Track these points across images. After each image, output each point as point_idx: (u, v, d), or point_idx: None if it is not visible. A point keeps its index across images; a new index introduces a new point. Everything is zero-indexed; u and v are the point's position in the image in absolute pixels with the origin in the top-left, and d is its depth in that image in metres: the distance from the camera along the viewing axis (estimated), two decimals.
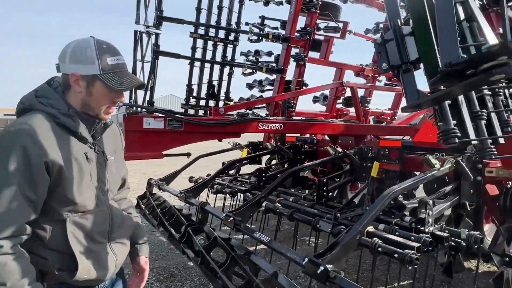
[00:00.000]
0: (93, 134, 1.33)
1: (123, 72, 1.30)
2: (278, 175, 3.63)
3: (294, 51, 5.60)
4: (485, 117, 1.94)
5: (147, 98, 4.44)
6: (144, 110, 3.15)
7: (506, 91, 2.56)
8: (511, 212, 2.77)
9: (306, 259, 1.90)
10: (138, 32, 4.65)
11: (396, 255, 2.01)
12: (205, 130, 3.11)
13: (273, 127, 3.37)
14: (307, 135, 5.63)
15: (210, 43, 5.06)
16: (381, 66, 1.53)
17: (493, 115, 2.04)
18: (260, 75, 5.94)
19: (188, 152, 3.57)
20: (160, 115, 2.96)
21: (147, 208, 3.92)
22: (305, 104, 6.72)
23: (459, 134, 1.73)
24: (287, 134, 5.28)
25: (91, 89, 1.26)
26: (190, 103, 5.21)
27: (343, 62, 5.90)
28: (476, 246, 2.32)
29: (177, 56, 4.72)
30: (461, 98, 1.86)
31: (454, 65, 1.17)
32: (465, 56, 1.19)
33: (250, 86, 6.12)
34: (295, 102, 5.54)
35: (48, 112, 1.21)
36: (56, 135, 1.20)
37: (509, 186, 2.87)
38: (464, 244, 2.43)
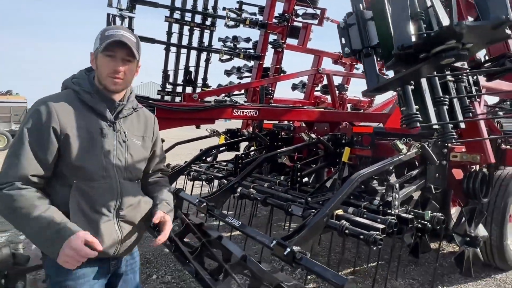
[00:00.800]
0: (116, 114, 1.43)
1: (114, 34, 1.37)
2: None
3: (272, 37, 5.57)
4: (447, 103, 2.01)
5: None
6: None
7: (470, 78, 2.66)
8: (474, 195, 2.90)
9: (274, 242, 1.94)
10: (111, 15, 4.51)
11: (361, 236, 2.07)
12: (178, 116, 3.07)
13: (248, 113, 3.37)
14: (285, 122, 5.67)
15: (186, 28, 4.96)
16: (344, 50, 1.55)
17: (455, 100, 2.11)
18: (238, 62, 5.88)
19: (162, 138, 3.51)
20: None
21: None
22: (286, 92, 6.73)
23: (420, 119, 1.78)
24: (265, 121, 5.30)
25: (97, 62, 1.39)
26: (166, 90, 5.13)
27: (321, 50, 5.91)
28: (438, 227, 2.42)
29: (152, 41, 4.60)
30: (424, 84, 1.91)
31: (406, 48, 1.19)
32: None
33: (228, 73, 6.06)
34: (273, 89, 5.53)
35: (74, 89, 1.39)
36: (74, 108, 1.34)
37: (472, 170, 3.00)
38: (429, 226, 2.54)
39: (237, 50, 5.21)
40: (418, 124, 1.78)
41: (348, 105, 7.17)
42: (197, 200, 2.78)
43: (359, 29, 1.43)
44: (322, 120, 4.11)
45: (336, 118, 4.18)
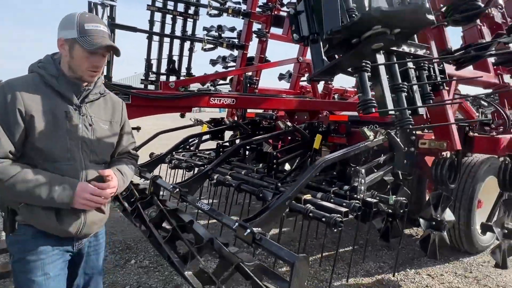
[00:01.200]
0: (82, 98, 1.46)
1: (99, 37, 1.40)
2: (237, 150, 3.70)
3: (256, 27, 5.57)
4: (405, 90, 2.06)
5: (104, 72, 4.37)
6: None
7: (436, 65, 2.72)
8: (441, 181, 2.98)
9: (237, 224, 2.01)
10: (92, 4, 4.49)
11: (323, 219, 2.15)
12: (154, 104, 3.10)
13: (225, 101, 3.41)
14: (270, 111, 5.71)
15: (168, 16, 4.95)
16: (293, 36, 1.59)
17: (415, 88, 2.16)
18: (225, 52, 5.89)
19: (138, 126, 3.56)
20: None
21: None
22: (275, 82, 6.76)
23: (375, 104, 1.84)
24: (248, 110, 5.34)
25: (72, 52, 1.40)
26: (149, 79, 5.14)
27: None
28: (401, 211, 2.50)
29: (133, 29, 4.58)
30: (382, 71, 1.96)
31: (335, 32, 1.24)
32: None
33: (213, 62, 6.06)
34: (257, 78, 5.57)
35: (40, 73, 1.41)
36: (39, 91, 1.37)
37: (440, 157, 3.08)
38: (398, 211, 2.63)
39: (221, 39, 5.21)
40: (373, 110, 1.84)
41: (336, 95, 7.23)
42: (171, 186, 2.84)
43: (306, 16, 1.47)
44: (300, 109, 4.16)
45: (314, 107, 4.23)
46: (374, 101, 1.85)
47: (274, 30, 5.75)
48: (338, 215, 2.13)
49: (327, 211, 2.24)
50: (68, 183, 1.33)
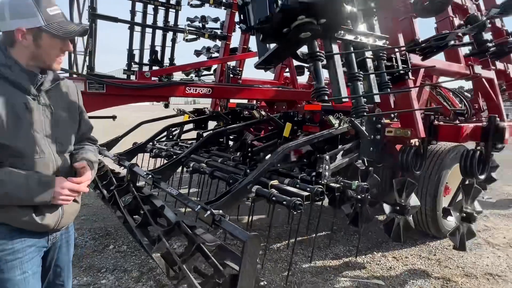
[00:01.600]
0: (38, 87, 1.35)
1: (65, 21, 1.33)
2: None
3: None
4: (361, 78, 2.15)
5: (87, 63, 4.41)
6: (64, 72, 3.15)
7: (398, 55, 2.82)
8: (406, 167, 3.09)
9: (199, 206, 2.10)
10: None
11: (284, 202, 2.25)
12: (130, 93, 3.16)
13: (201, 91, 3.48)
14: (254, 101, 5.78)
15: (150, 7, 4.97)
16: (241, 27, 1.66)
17: (372, 77, 2.25)
18: (209, 42, 5.91)
19: (113, 115, 3.62)
20: (80, 77, 2.98)
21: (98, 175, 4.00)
22: (260, 73, 6.79)
23: (327, 92, 1.93)
24: (231, 101, 5.41)
25: (39, 42, 1.29)
26: (132, 69, 5.17)
27: None
28: (363, 195, 2.61)
29: (115, 19, 4.60)
30: (338, 60, 2.05)
31: (263, 22, 1.32)
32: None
33: (198, 53, 6.10)
34: (240, 69, 5.63)
35: None
36: None
37: (408, 144, 3.18)
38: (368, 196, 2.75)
39: (204, 30, 5.24)
40: (326, 97, 1.93)
41: None
42: (145, 173, 2.92)
43: (252, 6, 1.55)
44: (277, 99, 4.24)
45: (290, 97, 4.31)
46: (327, 89, 1.94)
47: None
48: (298, 199, 2.23)
49: (289, 195, 2.35)
50: (45, 181, 1.28)
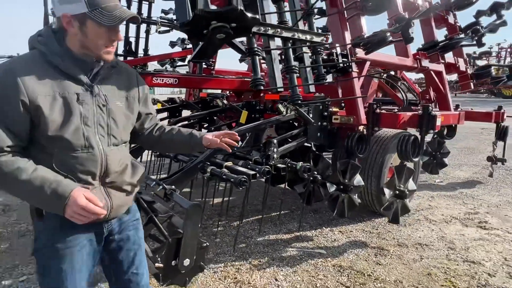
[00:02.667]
0: (92, 76, 1.28)
1: (111, 5, 1.21)
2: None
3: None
4: (296, 71, 2.47)
5: None
6: None
7: (338, 50, 3.14)
8: (351, 152, 3.45)
9: (154, 182, 2.40)
10: None
11: (232, 180, 2.57)
12: None
13: (168, 81, 3.73)
14: (227, 92, 6.05)
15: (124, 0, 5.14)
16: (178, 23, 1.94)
17: (308, 69, 2.57)
18: (182, 34, 6.12)
19: None
20: None
21: None
22: (238, 65, 7.05)
23: (263, 82, 2.24)
24: (203, 90, 5.68)
25: (85, 29, 1.20)
26: None
27: None
28: (305, 175, 2.95)
29: None
30: (274, 54, 2.36)
31: (184, 24, 1.60)
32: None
33: (172, 44, 6.31)
34: (213, 60, 5.89)
35: (41, 50, 1.21)
36: (44, 73, 1.18)
37: (356, 130, 3.53)
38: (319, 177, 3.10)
39: (176, 21, 5.45)
40: (262, 87, 2.24)
41: None
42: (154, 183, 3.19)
43: (175, 11, 1.82)
44: (242, 89, 4.52)
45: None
46: (262, 80, 2.25)
47: None
48: (244, 177, 2.56)
49: (238, 174, 2.67)
50: (61, 192, 1.14)
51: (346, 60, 3.09)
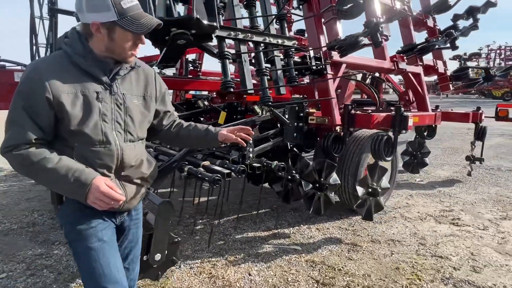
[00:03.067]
0: (112, 76, 1.37)
1: (139, 13, 1.31)
2: None
3: None
4: (267, 73, 2.57)
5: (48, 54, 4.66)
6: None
7: (311, 53, 3.25)
8: (327, 151, 3.57)
9: None
10: None
11: (206, 178, 2.67)
12: None
13: None
14: (214, 93, 6.14)
15: None
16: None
17: (279, 72, 2.68)
18: None
19: None
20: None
21: None
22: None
23: (233, 85, 2.34)
24: (189, 92, 5.77)
25: (113, 35, 1.30)
26: None
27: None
28: (280, 174, 3.06)
29: (71, 13, 4.85)
30: (245, 58, 2.46)
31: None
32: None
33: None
34: (200, 62, 5.99)
35: (67, 51, 1.32)
36: (67, 72, 1.28)
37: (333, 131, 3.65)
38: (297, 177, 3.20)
39: None
40: (232, 89, 2.34)
41: None
42: None
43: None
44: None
45: (236, 88, 4.71)
46: (231, 82, 2.35)
47: None
48: (218, 175, 2.66)
49: (213, 173, 2.77)
50: (84, 180, 1.25)
51: (319, 63, 3.20)
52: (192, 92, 5.97)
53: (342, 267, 2.89)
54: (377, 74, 5.40)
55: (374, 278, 2.72)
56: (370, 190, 3.38)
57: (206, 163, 3.01)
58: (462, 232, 3.63)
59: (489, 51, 26.61)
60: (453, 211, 4.25)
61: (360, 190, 3.40)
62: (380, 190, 3.40)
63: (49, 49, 4.83)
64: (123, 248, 1.59)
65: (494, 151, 8.09)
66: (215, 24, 1.78)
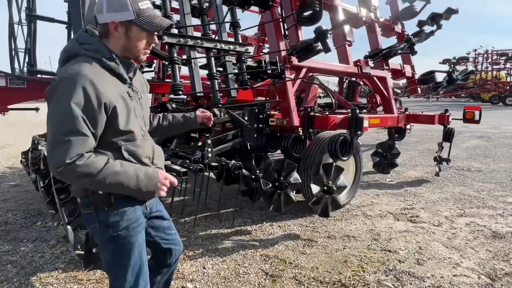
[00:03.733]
0: (129, 75, 1.49)
1: (153, 14, 1.44)
2: None
3: (176, 18, 6.10)
4: (217, 77, 2.74)
5: (26, 59, 4.82)
6: None
7: (267, 58, 3.41)
8: (287, 151, 3.73)
9: None
10: None
11: None
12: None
13: None
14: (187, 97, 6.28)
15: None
16: None
17: (230, 76, 2.85)
18: None
19: (36, 107, 4.06)
20: (2, 74, 3.40)
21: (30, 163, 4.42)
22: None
23: (182, 88, 2.50)
24: (165, 96, 5.92)
25: (129, 34, 1.40)
26: None
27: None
28: (236, 172, 3.22)
29: (51, 20, 5.00)
30: (194, 63, 2.62)
31: None
32: None
33: None
34: (180, 66, 6.16)
35: (94, 57, 1.36)
36: (105, 77, 1.36)
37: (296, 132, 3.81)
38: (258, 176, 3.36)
39: None
40: (181, 93, 2.50)
41: None
42: None
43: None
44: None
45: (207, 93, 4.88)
46: (180, 86, 2.51)
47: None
48: (173, 173, 2.81)
49: (171, 172, 2.92)
50: (151, 173, 1.42)
51: (275, 67, 3.38)
52: (172, 96, 6.14)
53: (293, 260, 3.04)
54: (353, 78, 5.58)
55: (321, 270, 2.88)
56: (325, 188, 3.54)
57: (167, 162, 3.16)
58: (416, 228, 3.80)
59: (476, 55, 27.09)
60: (414, 209, 4.42)
61: (315, 188, 3.56)
62: (335, 189, 3.56)
63: (27, 54, 4.99)
64: (165, 220, 1.79)
65: (468, 152, 8.32)
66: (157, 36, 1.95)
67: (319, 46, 3.41)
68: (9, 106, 3.49)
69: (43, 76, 3.99)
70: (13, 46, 5.01)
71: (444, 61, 33.63)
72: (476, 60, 27.46)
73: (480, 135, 11.13)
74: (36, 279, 2.74)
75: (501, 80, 25.98)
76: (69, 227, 2.77)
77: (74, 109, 1.24)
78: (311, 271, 2.87)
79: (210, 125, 2.00)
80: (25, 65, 4.94)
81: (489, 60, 26.45)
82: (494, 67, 26.33)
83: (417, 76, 5.83)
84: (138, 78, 1.61)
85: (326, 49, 3.21)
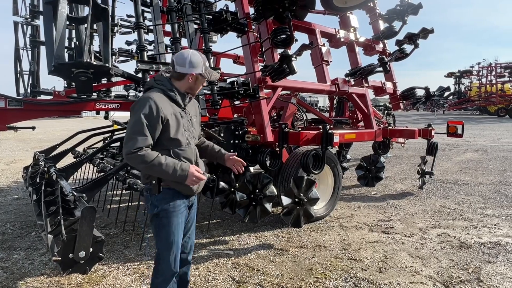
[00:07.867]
0: (186, 103, 2.13)
1: (211, 70, 2.19)
2: None
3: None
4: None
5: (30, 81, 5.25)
6: None
7: (240, 79, 3.70)
8: (262, 164, 3.97)
9: (69, 190, 2.92)
10: (19, 24, 5.34)
11: (139, 189, 3.08)
12: (45, 109, 3.96)
13: (110, 106, 4.30)
14: None
15: None
16: None
17: (201, 97, 3.13)
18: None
19: (32, 125, 4.40)
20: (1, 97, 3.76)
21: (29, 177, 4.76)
22: None
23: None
24: None
25: (196, 81, 2.12)
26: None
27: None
28: (211, 185, 3.45)
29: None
30: None
31: (50, 72, 2.16)
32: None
33: (128, 42, 6.91)
34: None
35: (161, 88, 2.05)
36: (165, 101, 2.00)
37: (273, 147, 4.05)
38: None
39: (133, 53, 6.12)
40: None
41: None
42: (52, 171, 3.72)
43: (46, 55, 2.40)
44: None
45: None
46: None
47: None
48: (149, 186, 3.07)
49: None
50: (184, 167, 1.97)
51: (247, 88, 3.66)
52: None
53: (261, 268, 3.23)
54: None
55: (285, 277, 3.06)
56: (296, 200, 3.75)
57: (135, 171, 3.44)
58: (388, 239, 3.95)
59: (480, 69, 27.10)
60: (391, 220, 4.57)
61: (285, 200, 3.77)
62: (307, 200, 3.76)
63: (31, 76, 5.43)
64: (189, 220, 2.27)
65: (460, 166, 8.39)
66: (107, 64, 2.26)
67: (287, 68, 3.69)
68: (6, 125, 3.82)
69: (42, 98, 4.35)
70: (18, 69, 5.46)
71: (449, 74, 33.73)
72: (480, 73, 27.46)
73: (477, 148, 11.16)
74: (22, 283, 2.99)
75: (506, 93, 25.87)
76: (50, 235, 3.05)
77: (142, 118, 1.89)
78: (276, 277, 3.06)
79: (238, 173, 2.41)
80: (29, 86, 5.38)
81: (493, 73, 26.41)
82: (499, 80, 26.25)
83: (399, 92, 6.04)
84: (193, 105, 2.27)
85: (292, 71, 3.48)
